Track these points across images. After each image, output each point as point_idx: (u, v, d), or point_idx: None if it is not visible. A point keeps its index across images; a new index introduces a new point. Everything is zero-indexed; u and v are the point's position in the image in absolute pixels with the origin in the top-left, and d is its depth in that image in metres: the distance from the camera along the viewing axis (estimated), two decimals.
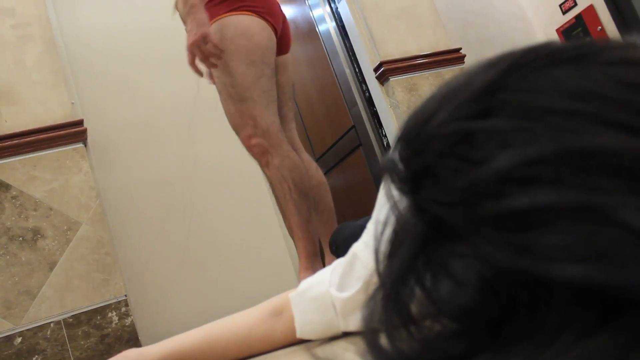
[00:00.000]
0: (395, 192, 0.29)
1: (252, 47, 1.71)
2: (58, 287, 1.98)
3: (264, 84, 1.72)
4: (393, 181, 0.29)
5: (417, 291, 0.27)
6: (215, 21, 1.71)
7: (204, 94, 2.60)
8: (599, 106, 0.24)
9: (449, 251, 0.25)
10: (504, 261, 0.23)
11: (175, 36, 2.64)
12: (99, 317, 1.98)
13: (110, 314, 2.00)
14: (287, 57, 1.94)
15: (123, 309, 2.02)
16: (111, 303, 2.01)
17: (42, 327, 1.92)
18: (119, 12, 2.61)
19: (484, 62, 0.30)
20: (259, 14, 1.74)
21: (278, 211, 2.55)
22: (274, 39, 1.78)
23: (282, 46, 1.89)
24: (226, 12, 1.71)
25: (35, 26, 2.26)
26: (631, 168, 0.22)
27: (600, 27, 3.49)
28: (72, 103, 2.25)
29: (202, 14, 1.62)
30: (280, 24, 1.83)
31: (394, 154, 0.30)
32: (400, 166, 0.29)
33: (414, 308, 0.27)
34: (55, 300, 1.96)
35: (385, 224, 0.30)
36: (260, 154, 1.74)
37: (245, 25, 1.71)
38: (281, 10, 1.87)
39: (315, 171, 1.96)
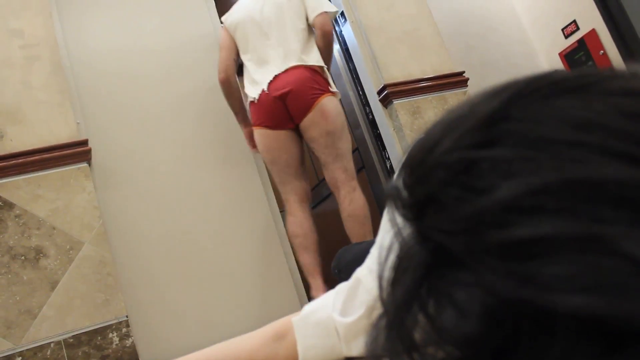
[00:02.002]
0: (399, 219, 0.29)
1: (261, 150, 2.43)
2: (59, 306, 1.97)
3: (275, 170, 2.42)
4: (397, 208, 0.29)
5: (421, 318, 0.27)
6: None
7: (208, 119, 2.62)
8: (602, 136, 0.24)
9: (453, 279, 0.25)
10: (507, 291, 0.23)
11: (180, 59, 2.67)
12: (99, 338, 1.97)
13: (111, 335, 1.99)
14: (310, 118, 2.33)
15: (124, 330, 2.01)
16: (112, 324, 2.01)
17: (42, 347, 1.91)
18: (125, 34, 2.64)
19: (487, 90, 0.30)
20: (258, 126, 2.39)
21: (281, 234, 2.55)
22: (274, 138, 2.37)
23: (295, 117, 2.35)
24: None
25: (42, 47, 2.28)
26: (634, 199, 0.22)
27: (602, 51, 3.51)
28: (78, 123, 2.27)
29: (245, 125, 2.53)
30: (276, 111, 2.34)
31: (398, 181, 0.30)
32: (404, 193, 0.29)
33: (417, 335, 0.27)
34: (56, 320, 1.95)
35: (389, 250, 0.30)
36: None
37: (256, 136, 2.43)
38: (278, 92, 2.31)
39: (349, 205, 2.37)
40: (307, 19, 2.47)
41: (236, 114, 2.52)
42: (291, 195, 2.41)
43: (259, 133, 2.38)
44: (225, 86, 2.44)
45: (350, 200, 2.36)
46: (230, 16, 2.51)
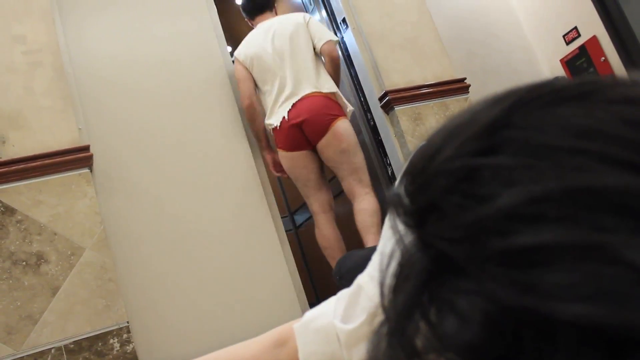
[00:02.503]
0: (400, 226, 0.29)
1: (285, 169, 2.70)
2: (60, 312, 1.97)
3: (299, 186, 2.71)
4: (398, 215, 0.29)
5: (422, 325, 0.27)
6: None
7: (209, 126, 2.63)
8: (603, 144, 0.24)
9: (454, 287, 0.25)
10: (508, 299, 0.23)
11: (182, 66, 2.67)
12: (100, 344, 1.97)
13: (111, 341, 1.99)
14: (325, 140, 2.59)
15: (125, 336, 2.00)
16: (113, 329, 2.00)
17: (42, 353, 1.91)
18: (127, 40, 2.65)
19: (489, 98, 0.30)
20: (281, 149, 2.65)
21: (281, 241, 2.55)
22: (293, 157, 2.64)
23: (312, 140, 2.61)
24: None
25: (45, 53, 2.29)
26: (636, 207, 0.22)
27: (603, 58, 3.52)
28: (80, 129, 2.27)
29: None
30: (294, 136, 2.59)
31: (399, 188, 0.30)
32: (406, 200, 0.29)
33: (418, 342, 0.27)
34: (57, 325, 1.95)
35: (390, 257, 0.30)
36: None
37: (280, 157, 2.69)
38: (297, 119, 2.56)
39: (360, 202, 2.61)
40: (314, 47, 2.70)
41: (259, 140, 2.74)
42: (315, 207, 2.70)
43: (281, 155, 2.66)
44: (250, 111, 2.67)
45: (363, 199, 2.61)
46: (243, 51, 2.74)
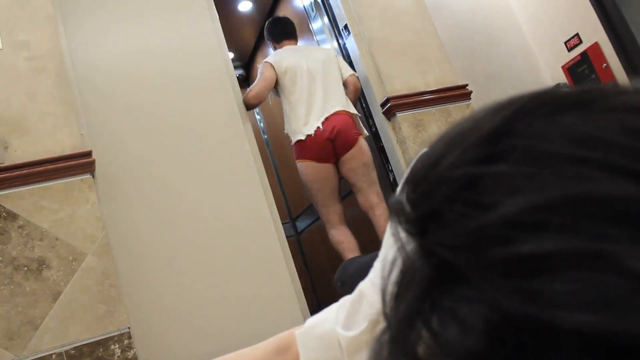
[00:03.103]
0: (402, 234, 0.29)
1: (308, 179, 2.94)
2: (61, 318, 1.97)
3: (321, 196, 2.96)
4: (400, 222, 0.29)
5: (424, 333, 0.27)
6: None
7: (212, 131, 2.63)
8: (605, 153, 0.24)
9: (456, 295, 0.25)
10: (510, 307, 0.23)
11: (185, 72, 2.68)
12: (101, 350, 1.97)
13: (113, 347, 1.99)
14: (351, 153, 2.91)
15: (126, 342, 2.00)
16: (114, 335, 2.00)
17: (43, 359, 1.91)
18: (130, 46, 2.65)
19: (491, 105, 0.30)
20: (309, 159, 2.91)
21: (284, 248, 2.55)
22: (319, 168, 2.91)
23: (339, 152, 2.91)
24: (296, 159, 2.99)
25: (48, 59, 2.30)
26: (638, 216, 0.22)
27: (605, 65, 3.52)
28: (82, 134, 2.28)
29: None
30: (326, 148, 2.88)
31: (401, 195, 0.30)
32: (408, 208, 0.29)
33: (420, 350, 0.27)
34: (58, 331, 1.95)
35: (392, 265, 0.30)
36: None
37: (301, 168, 2.96)
38: (332, 133, 2.86)
39: (385, 220, 2.86)
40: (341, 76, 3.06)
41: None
42: (333, 216, 2.96)
43: (307, 165, 2.91)
44: (253, 105, 2.95)
45: (380, 207, 2.92)
46: (277, 59, 3.05)
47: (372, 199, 2.92)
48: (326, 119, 2.86)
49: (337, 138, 2.87)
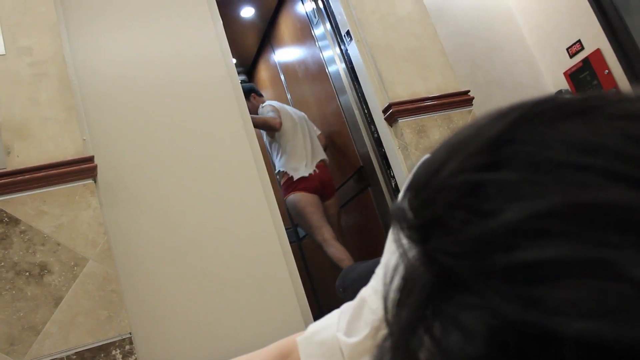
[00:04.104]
0: (404, 240, 0.29)
1: (305, 204, 3.55)
2: (63, 323, 1.96)
3: (315, 217, 3.52)
4: (402, 229, 0.29)
5: (426, 340, 0.27)
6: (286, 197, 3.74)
7: (214, 136, 2.63)
8: (607, 160, 0.24)
9: (458, 302, 0.25)
10: (512, 314, 0.23)
11: (188, 77, 2.69)
12: (102, 355, 1.96)
13: (114, 352, 1.98)
14: (331, 201, 3.72)
15: (127, 347, 2.00)
16: (115, 340, 2.00)
17: None
18: (132, 52, 2.66)
19: (493, 112, 0.30)
20: (306, 191, 3.57)
21: (286, 255, 2.55)
22: (313, 196, 3.58)
23: (324, 196, 3.66)
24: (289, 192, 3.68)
25: (50, 64, 2.31)
26: None
27: (607, 71, 3.52)
28: (84, 140, 2.28)
29: None
30: (319, 188, 3.61)
31: (403, 202, 0.30)
32: (410, 215, 0.29)
33: (422, 356, 0.27)
34: (60, 336, 1.95)
35: (394, 271, 0.30)
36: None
37: (296, 198, 3.60)
38: (322, 180, 3.65)
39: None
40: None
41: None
42: (328, 234, 3.44)
43: (303, 194, 3.55)
44: (274, 128, 3.71)
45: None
46: (274, 104, 3.87)
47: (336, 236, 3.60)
48: (317, 166, 3.63)
49: (326, 186, 3.65)
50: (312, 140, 3.73)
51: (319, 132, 3.90)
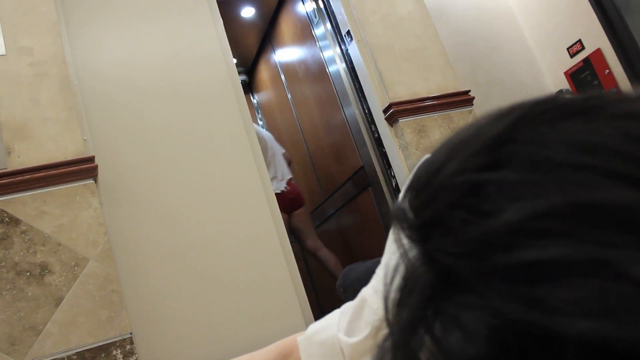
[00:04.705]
0: (405, 240, 0.29)
1: None
2: (63, 323, 1.96)
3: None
4: (403, 229, 0.29)
5: (427, 340, 0.27)
6: None
7: (215, 137, 2.63)
8: (607, 160, 0.24)
9: (459, 302, 0.25)
10: (513, 314, 0.23)
11: (188, 78, 2.69)
12: (103, 355, 1.96)
13: (114, 352, 1.98)
14: (300, 211, 4.01)
15: (128, 347, 2.00)
16: (116, 341, 2.00)
17: None
18: (133, 52, 2.66)
19: (493, 112, 0.30)
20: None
21: (286, 255, 2.55)
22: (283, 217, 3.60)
23: (293, 208, 3.96)
24: None
25: (51, 64, 2.31)
26: None
27: (607, 71, 3.52)
28: (85, 140, 2.28)
29: None
30: (287, 205, 3.88)
31: (403, 202, 0.30)
32: (410, 215, 0.29)
33: (422, 356, 0.27)
34: (60, 336, 1.95)
35: (395, 271, 0.30)
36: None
37: None
38: (293, 196, 3.98)
39: (325, 260, 4.00)
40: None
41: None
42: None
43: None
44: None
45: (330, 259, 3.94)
46: (257, 129, 3.95)
47: (317, 243, 3.95)
48: (287, 183, 3.91)
49: (295, 199, 3.96)
50: (279, 159, 4.04)
51: (283, 151, 4.18)
